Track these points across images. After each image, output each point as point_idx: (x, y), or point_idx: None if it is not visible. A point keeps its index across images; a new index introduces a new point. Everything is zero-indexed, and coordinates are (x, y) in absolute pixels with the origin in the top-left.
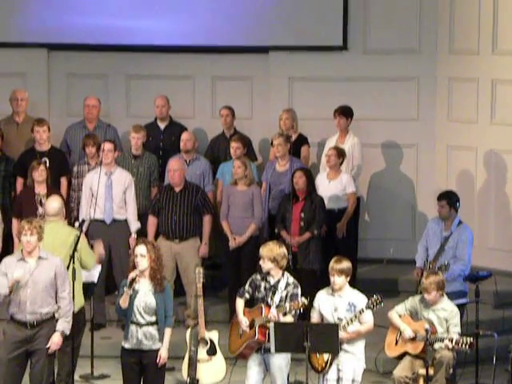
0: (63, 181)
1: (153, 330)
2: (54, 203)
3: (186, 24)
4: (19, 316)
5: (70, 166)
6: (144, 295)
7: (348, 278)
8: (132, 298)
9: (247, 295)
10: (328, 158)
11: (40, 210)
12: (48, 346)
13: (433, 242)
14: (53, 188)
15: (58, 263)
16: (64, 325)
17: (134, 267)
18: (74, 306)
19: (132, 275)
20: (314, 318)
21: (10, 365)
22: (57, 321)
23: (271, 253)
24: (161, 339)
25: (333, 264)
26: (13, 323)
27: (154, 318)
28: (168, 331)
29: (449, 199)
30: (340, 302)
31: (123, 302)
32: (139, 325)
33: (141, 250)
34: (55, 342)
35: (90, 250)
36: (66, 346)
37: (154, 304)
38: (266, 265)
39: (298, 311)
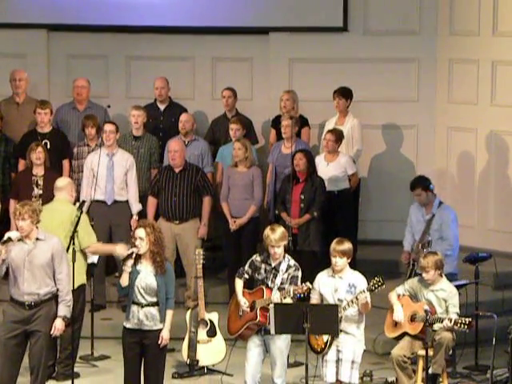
0: (65, 163)
1: (154, 310)
2: (61, 178)
3: (186, 5)
4: (18, 297)
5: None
6: (145, 276)
7: (349, 260)
8: (133, 278)
9: (246, 276)
10: (326, 142)
11: (35, 191)
12: (51, 332)
13: (417, 228)
14: (51, 170)
15: (55, 243)
16: (65, 309)
17: None
18: (72, 285)
19: (128, 252)
20: (314, 299)
21: (8, 344)
22: (56, 302)
23: (285, 236)
24: (162, 320)
25: (334, 245)
26: (12, 303)
27: (155, 299)
28: (169, 313)
29: (422, 185)
30: (340, 283)
31: (122, 281)
32: (140, 305)
33: (140, 233)
34: (58, 327)
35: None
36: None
37: (155, 285)
38: (280, 249)
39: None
